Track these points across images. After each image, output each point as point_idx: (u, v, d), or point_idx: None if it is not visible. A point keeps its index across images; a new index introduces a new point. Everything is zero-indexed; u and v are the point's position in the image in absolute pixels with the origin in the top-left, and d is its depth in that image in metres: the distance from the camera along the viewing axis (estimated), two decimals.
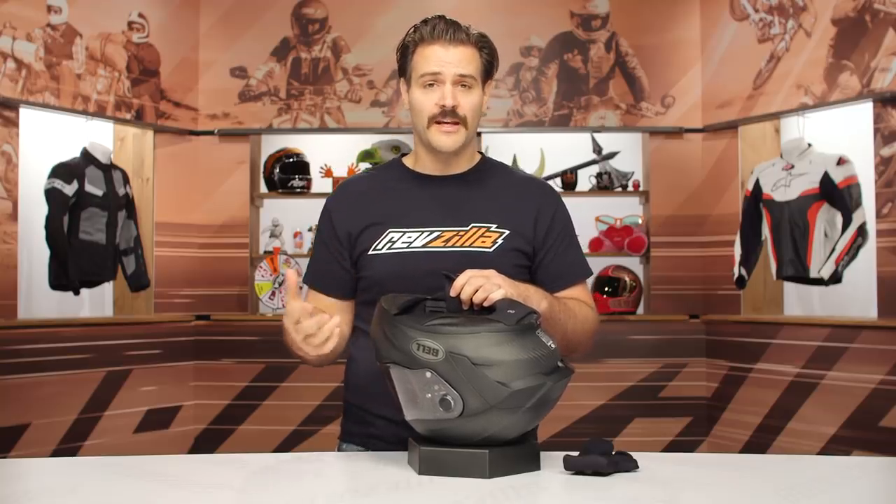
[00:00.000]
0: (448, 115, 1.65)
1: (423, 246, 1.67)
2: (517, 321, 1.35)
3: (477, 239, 1.68)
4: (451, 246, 1.67)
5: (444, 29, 1.65)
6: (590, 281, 1.91)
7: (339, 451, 1.77)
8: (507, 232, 1.70)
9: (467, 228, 1.69)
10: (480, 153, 1.82)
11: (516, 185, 1.77)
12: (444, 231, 1.68)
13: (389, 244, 1.68)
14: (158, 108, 4.89)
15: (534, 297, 1.53)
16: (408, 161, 1.79)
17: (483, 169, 1.78)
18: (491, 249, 1.68)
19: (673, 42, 5.03)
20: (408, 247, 1.67)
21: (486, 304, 1.42)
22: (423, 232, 1.68)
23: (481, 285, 1.44)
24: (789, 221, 4.37)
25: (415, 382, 1.36)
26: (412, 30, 1.69)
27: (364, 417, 1.73)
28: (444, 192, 1.72)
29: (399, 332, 1.36)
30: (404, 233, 1.68)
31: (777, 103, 4.57)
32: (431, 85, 1.65)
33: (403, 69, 1.71)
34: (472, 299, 1.44)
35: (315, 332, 1.47)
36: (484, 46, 1.68)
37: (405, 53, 1.70)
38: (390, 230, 1.69)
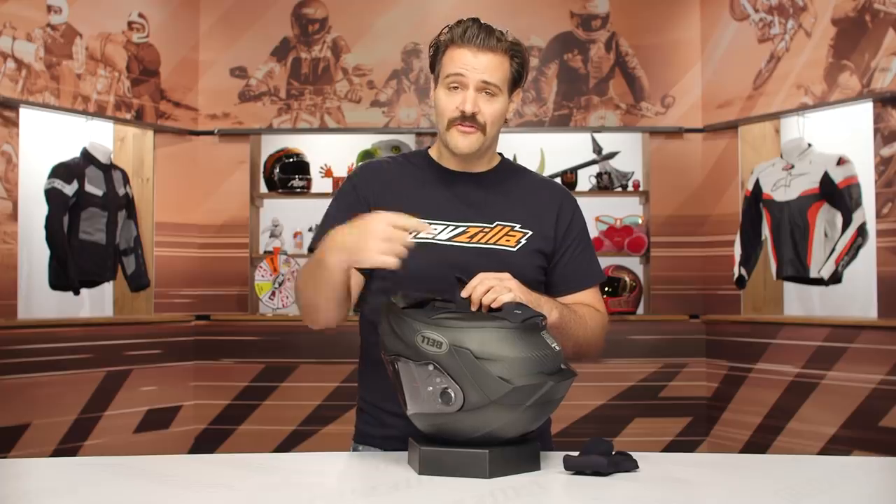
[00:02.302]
0: (467, 120, 1.66)
1: (449, 240, 1.68)
2: (523, 320, 1.35)
3: (501, 237, 1.70)
4: (476, 242, 1.68)
5: (476, 33, 1.64)
6: None
7: (353, 452, 1.76)
8: (531, 233, 1.72)
9: (492, 226, 1.71)
10: (500, 154, 1.83)
11: (538, 188, 1.80)
12: (469, 227, 1.70)
13: (414, 234, 1.68)
14: (158, 108, 4.89)
15: (545, 306, 1.54)
16: (433, 153, 1.80)
17: (504, 170, 1.80)
18: (514, 248, 1.70)
19: (673, 42, 5.03)
20: (432, 238, 1.67)
21: (494, 304, 1.43)
22: (448, 225, 1.69)
23: (493, 286, 1.45)
24: (789, 221, 4.37)
25: (418, 375, 1.37)
26: (445, 29, 1.69)
27: (381, 418, 1.72)
28: (469, 189, 1.74)
29: (405, 325, 1.38)
30: (429, 223, 1.67)
31: (777, 103, 4.57)
32: (455, 87, 1.66)
33: (433, 66, 1.72)
34: (481, 301, 1.45)
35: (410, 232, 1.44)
36: (515, 55, 1.67)
37: (436, 52, 1.70)
38: None
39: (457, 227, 1.69)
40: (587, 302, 1.76)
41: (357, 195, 1.74)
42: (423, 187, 1.74)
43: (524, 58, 1.69)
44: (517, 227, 1.72)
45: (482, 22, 1.67)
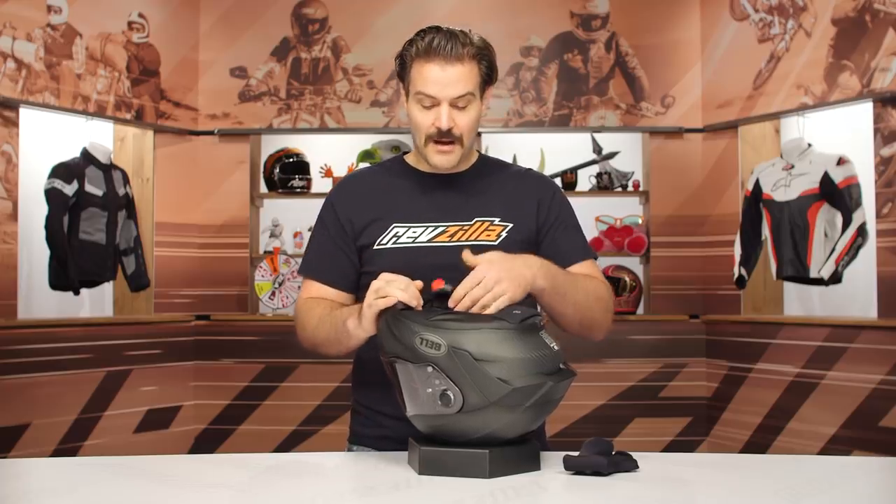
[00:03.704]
0: (444, 136, 1.66)
1: (429, 241, 1.69)
2: (521, 321, 1.35)
3: (482, 233, 1.70)
4: (457, 241, 1.69)
5: (443, 45, 1.61)
6: None
7: (347, 452, 1.76)
8: (511, 225, 1.72)
9: (472, 223, 1.71)
10: (477, 151, 1.84)
11: (515, 179, 1.79)
12: (448, 226, 1.70)
13: (394, 239, 1.69)
14: (158, 108, 4.89)
15: (534, 273, 1.49)
16: (409, 159, 1.81)
17: (482, 166, 1.80)
18: (496, 242, 1.69)
19: (673, 42, 5.03)
20: (413, 241, 1.68)
21: (487, 311, 1.42)
22: (427, 227, 1.70)
23: (480, 298, 1.42)
24: (789, 221, 4.37)
25: (417, 377, 1.36)
26: (409, 42, 1.66)
27: (375, 419, 1.73)
28: (446, 190, 1.75)
29: (403, 327, 1.37)
30: (409, 228, 1.70)
31: (777, 103, 4.57)
32: (428, 106, 1.65)
33: (402, 77, 1.71)
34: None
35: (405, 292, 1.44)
36: (483, 58, 1.66)
37: (403, 64, 1.68)
38: (395, 225, 1.70)
39: (437, 227, 1.70)
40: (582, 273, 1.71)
41: (336, 214, 1.75)
42: (401, 193, 1.75)
43: (491, 58, 1.68)
44: (497, 220, 1.72)
45: (445, 29, 1.65)
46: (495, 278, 1.43)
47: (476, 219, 1.71)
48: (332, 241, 1.74)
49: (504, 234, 1.70)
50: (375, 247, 1.70)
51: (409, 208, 1.72)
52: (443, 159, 1.68)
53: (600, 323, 1.68)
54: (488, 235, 1.70)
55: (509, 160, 1.89)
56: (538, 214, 1.74)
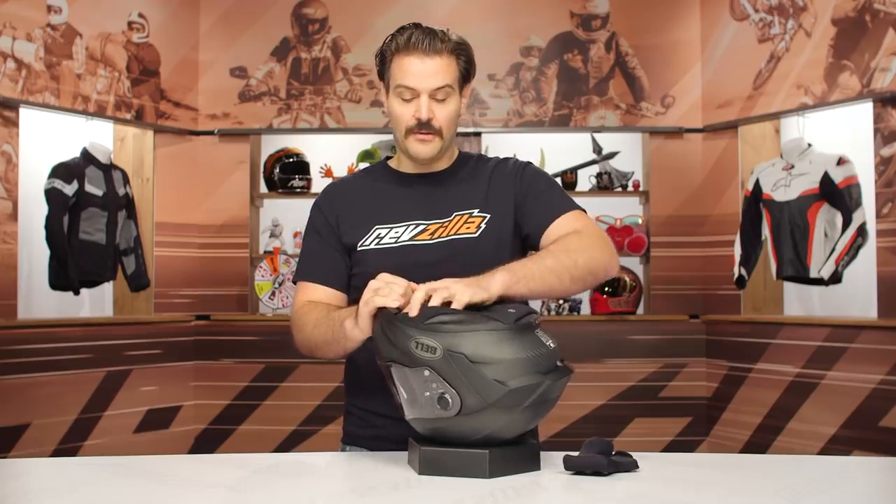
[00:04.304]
0: (424, 127, 1.68)
1: (411, 240, 1.70)
2: (516, 320, 1.35)
3: (461, 226, 1.71)
4: (438, 237, 1.70)
5: (420, 39, 1.65)
6: None
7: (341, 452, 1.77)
8: (490, 216, 1.72)
9: (451, 218, 1.72)
10: (458, 149, 1.85)
11: (491, 171, 1.79)
12: (429, 224, 1.72)
13: (377, 240, 1.72)
14: (158, 108, 4.89)
15: (480, 280, 1.45)
16: (392, 162, 1.84)
17: (460, 163, 1.82)
18: (476, 234, 1.70)
19: (673, 42, 5.03)
20: (395, 241, 1.70)
21: (452, 306, 1.38)
22: (408, 226, 1.72)
23: (435, 290, 1.40)
24: (789, 221, 4.37)
25: (414, 381, 1.36)
26: (389, 38, 1.70)
27: (368, 419, 1.74)
28: (426, 188, 1.76)
29: (398, 331, 1.37)
30: (391, 228, 1.72)
31: (777, 103, 4.57)
32: (408, 98, 1.68)
33: (382, 74, 1.74)
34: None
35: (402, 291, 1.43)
36: (461, 53, 1.69)
37: (383, 60, 1.72)
38: (377, 226, 1.73)
39: (417, 225, 1.72)
40: (567, 231, 1.66)
41: (325, 218, 1.78)
42: (383, 195, 1.77)
43: (469, 55, 1.72)
44: (475, 212, 1.73)
45: (424, 26, 1.69)
46: (445, 283, 1.41)
47: (455, 213, 1.72)
48: (326, 243, 1.76)
49: (483, 226, 1.71)
50: (359, 248, 1.72)
51: (391, 209, 1.74)
52: (423, 148, 1.70)
53: (595, 266, 1.59)
54: (468, 228, 1.71)
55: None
56: (515, 199, 1.74)
